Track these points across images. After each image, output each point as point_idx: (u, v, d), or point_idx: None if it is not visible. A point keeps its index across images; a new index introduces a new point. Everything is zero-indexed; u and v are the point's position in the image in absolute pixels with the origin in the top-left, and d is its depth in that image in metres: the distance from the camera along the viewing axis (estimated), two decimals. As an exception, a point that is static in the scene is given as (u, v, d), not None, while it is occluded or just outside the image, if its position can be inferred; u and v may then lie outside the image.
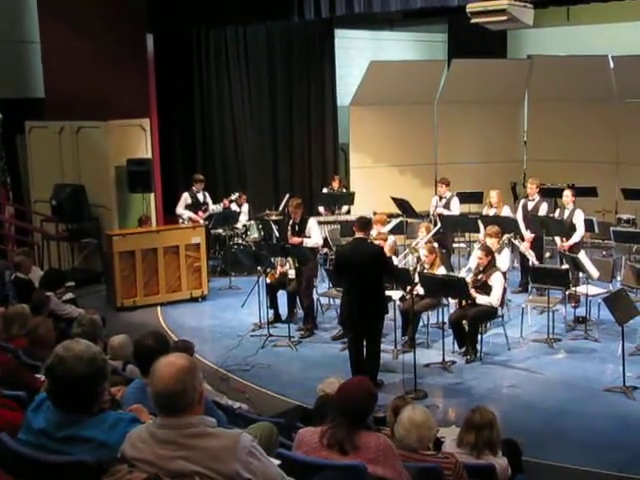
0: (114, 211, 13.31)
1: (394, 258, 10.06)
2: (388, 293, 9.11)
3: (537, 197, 11.98)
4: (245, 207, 14.19)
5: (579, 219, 11.17)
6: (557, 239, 11.36)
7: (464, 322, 9.28)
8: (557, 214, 11.53)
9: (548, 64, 15.58)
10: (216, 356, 9.52)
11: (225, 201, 13.62)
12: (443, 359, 9.04)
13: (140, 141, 13.56)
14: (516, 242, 10.96)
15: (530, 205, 11.96)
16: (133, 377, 5.36)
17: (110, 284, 11.86)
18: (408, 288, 9.10)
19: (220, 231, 13.65)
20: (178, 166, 15.29)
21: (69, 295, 9.42)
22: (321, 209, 14.59)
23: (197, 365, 3.24)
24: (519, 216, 11.90)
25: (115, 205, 13.33)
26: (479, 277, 9.43)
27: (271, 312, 10.79)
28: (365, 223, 8.28)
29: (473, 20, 9.49)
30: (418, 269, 9.56)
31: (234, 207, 13.98)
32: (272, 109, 16.16)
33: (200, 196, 13.43)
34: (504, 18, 9.20)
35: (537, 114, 15.90)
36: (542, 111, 15.71)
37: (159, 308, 11.75)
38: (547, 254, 12.36)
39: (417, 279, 9.13)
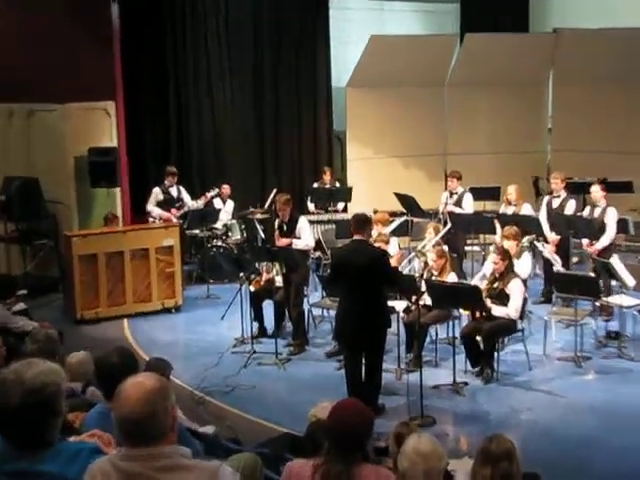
0: (73, 208, 13.29)
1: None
2: (391, 303, 9.11)
3: (563, 193, 11.99)
4: (230, 204, 14.18)
5: (611, 219, 11.17)
6: (584, 241, 11.38)
7: (478, 337, 9.28)
8: (586, 213, 11.55)
9: (578, 39, 15.57)
10: (191, 376, 9.49)
11: (207, 195, 13.54)
12: (454, 380, 9.04)
13: (104, 127, 13.53)
14: (538, 245, 10.96)
15: (555, 202, 11.98)
16: (94, 401, 5.35)
17: (68, 293, 11.83)
18: (413, 298, 9.09)
19: (197, 232, 13.63)
20: (148, 156, 15.26)
21: (20, 306, 9.39)
22: (311, 206, 14.59)
23: (169, 386, 3.23)
24: (542, 215, 11.92)
25: (74, 201, 13.30)
26: (495, 285, 9.43)
27: (255, 325, 10.77)
28: (362, 222, 8.25)
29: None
30: (425, 276, 9.56)
31: (217, 204, 13.97)
32: (257, 91, 16.14)
33: (173, 191, 13.41)
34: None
35: (564, 97, 15.92)
36: (570, 94, 15.72)
37: (126, 321, 11.73)
38: (575, 259, 12.38)
39: (424, 287, 9.13)
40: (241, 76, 15.93)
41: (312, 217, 13.80)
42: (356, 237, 8.20)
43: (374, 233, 10.31)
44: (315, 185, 14.98)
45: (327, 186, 14.71)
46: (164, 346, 10.56)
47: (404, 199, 13.15)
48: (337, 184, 15.09)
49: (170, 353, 9.40)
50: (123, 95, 13.83)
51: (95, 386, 5.73)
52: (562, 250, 11.47)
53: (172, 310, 12.14)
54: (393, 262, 8.84)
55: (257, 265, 10.81)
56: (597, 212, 11.35)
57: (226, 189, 14.25)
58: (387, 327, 8.30)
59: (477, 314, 9.41)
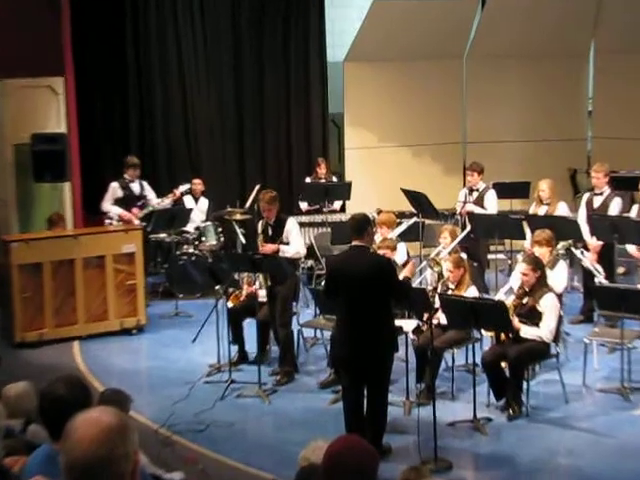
0: (12, 207, 13.25)
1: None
2: (398, 323, 9.10)
3: (606, 190, 12.00)
4: (203, 203, 14.18)
5: (663, 219, 11.22)
6: (631, 248, 11.37)
7: (503, 364, 9.28)
8: (634, 213, 11.56)
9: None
10: (156, 411, 9.47)
11: (176, 191, 13.50)
12: (474, 415, 9.02)
13: (50, 109, 13.50)
14: (577, 252, 10.96)
15: (597, 201, 11.98)
16: (38, 442, 5.33)
17: (6, 310, 11.79)
18: (425, 316, 9.09)
19: (164, 236, 13.64)
20: (104, 145, 15.24)
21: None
22: (303, 205, 14.58)
23: (130, 424, 3.21)
24: (581, 216, 11.93)
25: (14, 199, 13.27)
26: (524, 301, 9.43)
27: (234, 349, 10.77)
28: (362, 224, 8.22)
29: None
30: (439, 289, 9.55)
31: (189, 202, 13.94)
32: (236, 67, 16.11)
33: (135, 187, 13.41)
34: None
35: (608, 73, 15.94)
36: (616, 68, 15.73)
37: (76, 344, 11.71)
38: (621, 269, 12.37)
39: (438, 303, 9.12)
40: (217, 48, 15.89)
41: (304, 218, 13.80)
42: (355, 243, 8.18)
43: (377, 238, 10.31)
44: (308, 180, 14.96)
45: (322, 181, 14.68)
46: (123, 375, 10.54)
47: (414, 197, 13.14)
48: (334, 178, 15.08)
49: (131, 383, 9.39)
50: (73, 70, 13.78)
51: (38, 423, 5.71)
52: (605, 258, 11.46)
53: (133, 331, 12.12)
54: (406, 273, 8.82)
55: (236, 276, 10.78)
56: (646, 212, 11.39)
57: (199, 184, 14.23)
58: (394, 351, 8.30)
59: (502, 336, 9.41)
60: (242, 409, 9.66)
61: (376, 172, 15.43)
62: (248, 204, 13.81)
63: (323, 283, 8.97)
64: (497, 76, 15.84)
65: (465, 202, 12.93)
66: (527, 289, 9.48)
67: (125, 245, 12.07)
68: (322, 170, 14.88)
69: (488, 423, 9.06)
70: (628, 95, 15.57)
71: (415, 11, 15.52)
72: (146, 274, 12.67)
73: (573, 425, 9.10)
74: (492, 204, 12.90)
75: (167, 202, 13.52)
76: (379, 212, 12.22)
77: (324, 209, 14.22)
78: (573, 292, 12.26)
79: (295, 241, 10.57)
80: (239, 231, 12.49)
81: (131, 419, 7.71)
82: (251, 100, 16.33)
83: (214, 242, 13.84)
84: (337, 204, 14.61)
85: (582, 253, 11.07)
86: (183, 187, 13.67)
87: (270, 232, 10.58)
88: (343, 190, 14.31)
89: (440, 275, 9.95)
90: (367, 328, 7.99)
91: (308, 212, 14.49)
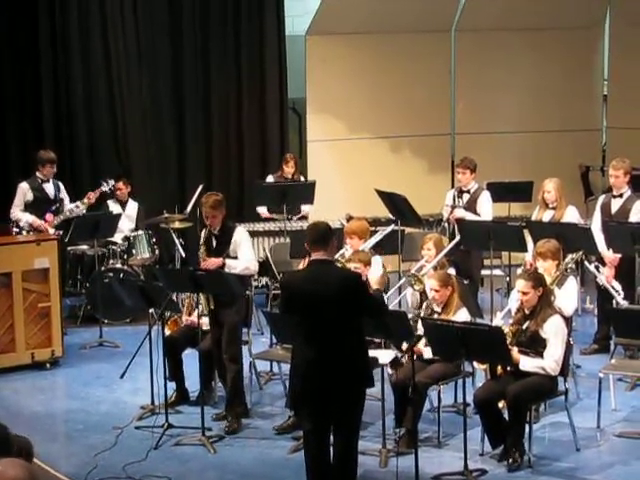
0: None
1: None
2: (373, 354, 9.09)
3: (627, 191, 12.05)
4: (132, 206, 14.13)
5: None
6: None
7: (501, 404, 9.30)
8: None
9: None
10: (76, 463, 9.36)
11: (91, 194, 13.47)
12: (465, 467, 9.03)
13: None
14: (590, 267, 11.00)
15: (615, 204, 12.03)
16: None
17: None
18: (405, 345, 9.09)
19: (85, 248, 13.59)
20: (10, 138, 15.17)
21: None
22: (262, 210, 14.49)
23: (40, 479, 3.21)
24: (595, 223, 11.98)
25: None
26: (524, 326, 9.45)
27: (172, 386, 10.75)
28: (326, 233, 8.17)
29: None
30: (423, 313, 9.56)
31: (113, 206, 13.89)
32: (174, 38, 16.06)
33: (49, 188, 13.35)
34: None
35: (626, 49, 16.02)
36: (635, 44, 15.84)
37: (-24, 381, 11.69)
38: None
39: (421, 329, 9.14)
40: (151, 17, 15.83)
41: (257, 226, 13.79)
42: (316, 256, 8.13)
43: (348, 250, 10.31)
44: (270, 179, 14.84)
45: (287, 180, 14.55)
46: (34, 419, 10.46)
47: (391, 200, 13.16)
48: (302, 178, 14.97)
49: (43, 429, 9.36)
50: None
51: None
52: (624, 275, 11.52)
53: (47, 365, 12.07)
54: (375, 285, 8.78)
55: (174, 297, 10.75)
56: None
57: (125, 189, 14.06)
58: (368, 386, 8.28)
59: (499, 370, 9.43)
60: (181, 460, 9.62)
61: (345, 170, 15.46)
62: (189, 209, 13.77)
63: (280, 305, 8.87)
64: (492, 53, 15.89)
65: (454, 206, 12.95)
66: (528, 311, 9.49)
67: (37, 259, 12.00)
68: (290, 168, 14.79)
69: (482, 476, 9.08)
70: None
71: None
72: (63, 295, 12.62)
73: (585, 478, 9.11)
74: (486, 208, 12.93)
75: (82, 208, 13.38)
76: (349, 218, 12.22)
77: (289, 215, 14.16)
78: (585, 315, 12.31)
79: (244, 255, 10.46)
80: (178, 242, 12.47)
81: (42, 472, 7.69)
82: (193, 83, 16.29)
83: (147, 255, 13.79)
84: (306, 209, 14.51)
85: (596, 268, 11.11)
86: (104, 186, 13.54)
87: (214, 243, 10.51)
88: (305, 192, 14.27)
89: (423, 295, 9.97)
90: (333, 359, 7.95)
91: (269, 219, 14.39)
